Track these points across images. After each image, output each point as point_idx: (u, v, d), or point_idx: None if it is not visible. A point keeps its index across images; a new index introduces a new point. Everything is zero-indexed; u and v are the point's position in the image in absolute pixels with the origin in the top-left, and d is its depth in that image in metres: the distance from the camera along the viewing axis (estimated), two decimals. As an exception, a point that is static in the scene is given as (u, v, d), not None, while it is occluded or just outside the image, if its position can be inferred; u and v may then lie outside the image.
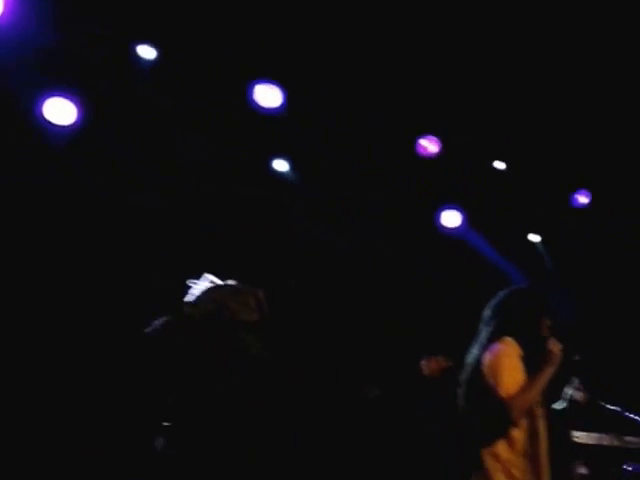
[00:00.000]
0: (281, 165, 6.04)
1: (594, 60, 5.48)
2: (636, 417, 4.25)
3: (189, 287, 3.08)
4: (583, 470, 4.41)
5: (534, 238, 6.61)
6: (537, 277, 6.23)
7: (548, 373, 3.07)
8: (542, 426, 3.16)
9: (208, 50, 5.06)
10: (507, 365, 3.06)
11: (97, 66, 4.70)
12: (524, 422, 3.11)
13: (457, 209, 6.41)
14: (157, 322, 2.57)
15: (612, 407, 4.23)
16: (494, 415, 3.02)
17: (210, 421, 2.44)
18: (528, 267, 6.31)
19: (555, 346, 3.11)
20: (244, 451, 2.43)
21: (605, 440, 4.35)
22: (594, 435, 4.43)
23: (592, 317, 5.88)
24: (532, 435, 3.13)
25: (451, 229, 6.42)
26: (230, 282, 2.84)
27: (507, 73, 5.65)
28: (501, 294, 3.31)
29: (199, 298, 2.74)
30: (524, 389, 3.04)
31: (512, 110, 5.83)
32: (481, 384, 3.09)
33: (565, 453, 4.26)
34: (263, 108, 5.55)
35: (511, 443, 3.09)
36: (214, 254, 4.85)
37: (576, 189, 6.35)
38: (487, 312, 3.27)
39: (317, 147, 5.93)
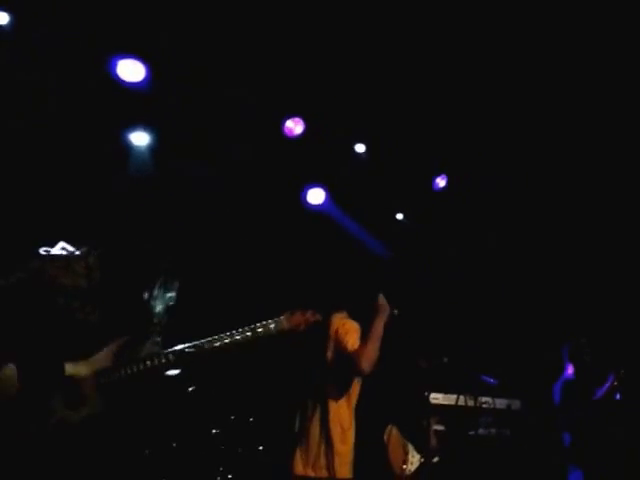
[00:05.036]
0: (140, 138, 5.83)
1: (453, 47, 5.77)
2: (488, 379, 4.71)
3: None
4: (439, 427, 4.83)
5: (397, 215, 6.94)
6: (396, 250, 6.60)
7: (380, 322, 3.40)
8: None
9: (70, 23, 4.82)
10: (350, 328, 3.40)
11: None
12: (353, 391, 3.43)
13: (321, 187, 6.61)
14: None
15: (467, 370, 4.64)
16: (346, 370, 3.31)
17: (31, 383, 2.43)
18: (389, 241, 6.65)
19: (382, 299, 3.44)
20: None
21: (460, 401, 4.75)
22: (451, 396, 4.85)
23: (444, 288, 6.35)
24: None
25: (315, 206, 6.61)
26: (84, 248, 2.81)
27: (372, 58, 5.82)
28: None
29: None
30: (365, 341, 3.34)
31: (379, 97, 6.06)
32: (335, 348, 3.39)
33: (423, 413, 4.65)
34: (126, 82, 5.38)
35: (349, 405, 3.41)
36: (71, 223, 4.68)
37: (435, 173, 6.73)
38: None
39: (182, 126, 5.83)
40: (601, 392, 4.87)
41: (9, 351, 2.44)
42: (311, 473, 3.28)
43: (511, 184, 6.50)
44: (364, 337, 3.38)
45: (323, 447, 3.29)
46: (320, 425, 3.34)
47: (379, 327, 3.38)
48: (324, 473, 3.27)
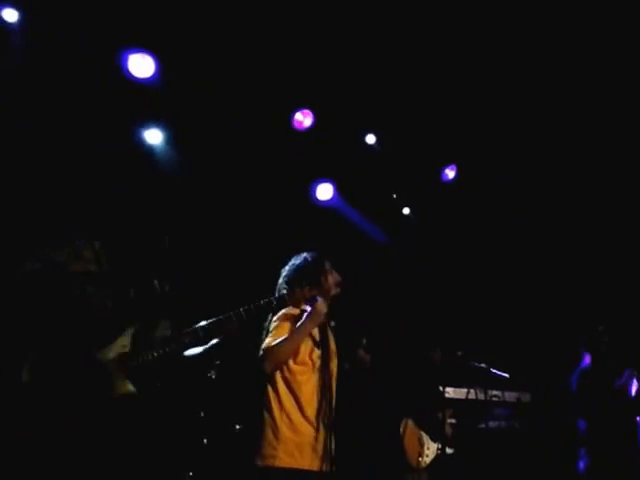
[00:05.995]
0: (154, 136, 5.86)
1: (462, 37, 5.77)
2: (499, 373, 4.74)
3: None
4: (452, 420, 4.88)
5: (404, 210, 6.93)
6: (406, 247, 6.59)
7: (306, 328, 3.25)
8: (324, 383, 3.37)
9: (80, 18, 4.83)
10: (277, 325, 3.29)
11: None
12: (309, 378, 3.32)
13: (330, 182, 6.60)
14: None
15: (478, 364, 4.66)
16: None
17: (53, 370, 2.46)
18: (398, 237, 6.65)
19: (320, 305, 3.28)
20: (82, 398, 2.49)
21: (471, 394, 4.79)
22: (462, 390, 4.90)
23: (454, 280, 6.35)
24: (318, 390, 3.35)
25: (325, 202, 6.61)
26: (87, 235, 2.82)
27: (380, 50, 5.82)
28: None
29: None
30: (279, 342, 3.22)
31: (386, 88, 6.05)
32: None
33: (436, 406, 4.69)
34: (136, 77, 5.39)
35: (296, 392, 3.29)
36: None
37: (445, 164, 6.70)
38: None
39: (191, 119, 5.83)
40: (620, 382, 4.80)
41: (29, 341, 2.46)
42: (259, 462, 3.22)
43: (526, 172, 6.46)
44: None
45: (269, 436, 3.23)
46: (263, 414, 3.29)
47: (301, 331, 3.24)
48: (269, 462, 3.20)
